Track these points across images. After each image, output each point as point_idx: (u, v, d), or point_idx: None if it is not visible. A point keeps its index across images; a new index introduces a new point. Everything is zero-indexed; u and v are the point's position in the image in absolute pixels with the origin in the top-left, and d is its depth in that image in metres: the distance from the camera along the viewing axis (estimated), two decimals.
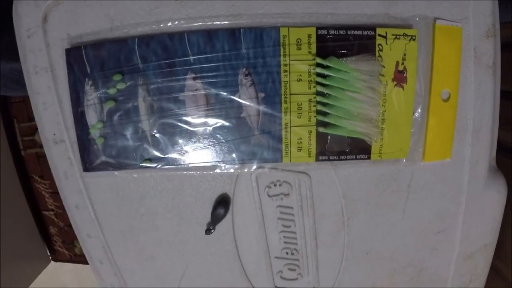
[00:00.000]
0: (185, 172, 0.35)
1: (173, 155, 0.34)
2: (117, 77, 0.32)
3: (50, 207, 1.02)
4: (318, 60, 0.32)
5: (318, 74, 0.32)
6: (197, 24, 0.32)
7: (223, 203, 0.35)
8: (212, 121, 0.33)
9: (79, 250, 1.06)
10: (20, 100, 0.93)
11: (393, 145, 0.34)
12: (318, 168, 0.35)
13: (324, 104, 0.33)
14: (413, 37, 0.33)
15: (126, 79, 0.32)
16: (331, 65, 0.32)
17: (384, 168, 0.36)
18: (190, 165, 0.34)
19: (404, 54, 0.33)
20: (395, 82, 0.33)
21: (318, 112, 0.33)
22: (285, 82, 0.32)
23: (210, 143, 0.33)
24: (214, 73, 0.32)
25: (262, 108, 0.33)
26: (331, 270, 0.39)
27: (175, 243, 0.38)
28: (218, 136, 0.33)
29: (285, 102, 0.33)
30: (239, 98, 0.32)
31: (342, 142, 0.34)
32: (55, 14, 0.33)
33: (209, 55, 0.32)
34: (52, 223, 1.04)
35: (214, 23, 0.32)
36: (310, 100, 0.33)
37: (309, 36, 0.32)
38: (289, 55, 0.32)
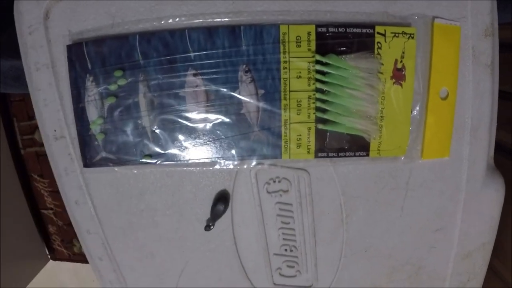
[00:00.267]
0: (184, 168, 0.35)
1: (173, 151, 0.34)
2: (118, 73, 0.33)
3: (49, 206, 1.02)
4: (318, 57, 0.32)
5: (318, 71, 0.32)
6: (197, 21, 0.32)
7: (222, 199, 0.36)
8: (212, 117, 0.33)
9: (78, 249, 1.06)
10: (20, 99, 0.93)
11: (391, 142, 0.35)
12: (317, 164, 0.35)
13: (323, 101, 0.33)
14: (412, 36, 0.33)
15: (127, 75, 0.33)
16: (330, 63, 0.32)
17: (383, 166, 0.36)
18: (190, 161, 0.34)
19: (403, 52, 0.33)
20: (393, 80, 0.33)
21: (317, 109, 0.33)
22: (285, 79, 0.32)
23: (210, 139, 0.34)
24: (214, 70, 0.32)
25: (261, 104, 0.33)
26: (330, 267, 0.39)
27: (175, 239, 0.38)
28: (218, 132, 0.33)
29: (285, 99, 0.33)
30: (239, 94, 0.33)
31: (341, 139, 0.34)
32: (57, 11, 0.33)
33: (210, 52, 0.32)
34: (51, 222, 1.04)
35: (215, 20, 0.32)
36: (309, 97, 0.33)
37: (309, 33, 0.32)
38: (288, 52, 0.32)
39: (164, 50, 0.32)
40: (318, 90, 0.33)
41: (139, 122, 0.33)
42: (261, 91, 0.33)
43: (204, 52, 0.32)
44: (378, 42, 0.32)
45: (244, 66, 0.32)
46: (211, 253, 0.38)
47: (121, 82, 0.33)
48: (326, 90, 0.33)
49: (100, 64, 0.33)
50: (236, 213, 0.37)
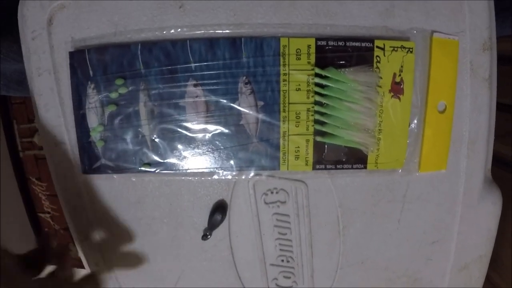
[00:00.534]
0: (183, 178, 0.35)
1: (172, 160, 0.34)
2: (119, 82, 0.33)
3: (47, 209, 1.02)
4: (317, 70, 0.32)
5: (317, 84, 0.33)
6: (199, 32, 0.33)
7: (220, 209, 0.36)
8: (211, 127, 0.33)
9: (74, 254, 1.06)
10: (20, 102, 0.93)
11: (389, 155, 0.35)
12: (315, 176, 0.35)
13: (322, 114, 0.33)
14: (411, 50, 0.33)
15: (128, 84, 0.33)
16: (329, 76, 0.32)
17: (380, 178, 0.36)
18: (188, 171, 0.34)
19: (402, 66, 0.33)
20: (392, 93, 0.33)
21: (316, 122, 0.33)
22: (284, 91, 0.33)
23: (209, 149, 0.34)
24: (215, 81, 0.32)
25: (261, 116, 0.33)
26: (326, 279, 0.39)
27: (172, 248, 0.38)
28: (217, 142, 0.34)
29: (284, 111, 0.33)
30: (239, 105, 0.33)
31: (339, 152, 0.34)
32: (60, 17, 0.33)
33: (210, 63, 0.32)
34: (48, 225, 1.04)
35: (216, 31, 0.33)
36: (308, 110, 0.33)
37: (309, 46, 0.32)
38: (288, 64, 0.32)
39: (166, 60, 0.32)
40: (317, 103, 0.33)
41: (139, 130, 0.33)
42: (261, 103, 0.33)
43: (205, 63, 0.32)
44: (377, 56, 0.33)
45: (244, 77, 0.32)
46: (208, 263, 0.38)
47: (122, 90, 0.33)
48: (324, 103, 0.33)
49: (102, 71, 0.33)
50: (233, 223, 0.37)
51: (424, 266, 0.40)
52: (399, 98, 0.34)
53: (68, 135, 0.35)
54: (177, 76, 0.33)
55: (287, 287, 0.39)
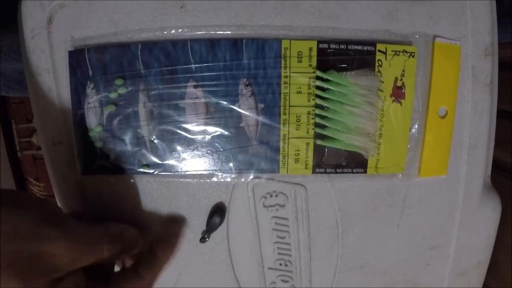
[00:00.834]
0: (182, 180, 0.35)
1: (171, 162, 0.34)
2: (118, 82, 0.33)
3: None
4: (318, 73, 0.32)
5: (318, 87, 0.33)
6: (200, 32, 0.33)
7: (219, 212, 0.35)
8: (211, 129, 0.33)
9: None
10: (19, 101, 0.93)
11: (389, 160, 0.35)
12: (315, 180, 0.35)
13: (322, 117, 0.33)
14: (413, 54, 0.33)
15: (127, 84, 0.33)
16: (330, 79, 0.32)
17: (380, 183, 0.36)
18: (187, 173, 0.34)
19: (403, 70, 0.33)
20: (393, 98, 0.33)
21: (316, 125, 0.33)
22: (285, 94, 0.33)
23: (208, 151, 0.34)
24: (215, 82, 0.32)
25: (261, 118, 0.33)
26: (325, 283, 0.39)
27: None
28: (217, 144, 0.33)
29: (284, 113, 0.33)
30: (239, 108, 0.33)
31: (339, 155, 0.34)
32: (60, 16, 0.33)
33: (211, 64, 0.32)
34: None
35: (217, 32, 0.33)
36: (308, 113, 0.33)
37: (310, 49, 0.32)
38: (289, 67, 0.32)
39: (166, 60, 0.32)
40: (317, 106, 0.33)
41: (138, 131, 0.33)
42: (261, 105, 0.33)
43: (206, 64, 0.32)
44: (379, 60, 0.33)
45: (245, 79, 0.32)
46: (206, 265, 0.38)
47: (122, 90, 0.33)
48: (325, 106, 0.33)
49: (101, 71, 0.33)
50: (232, 226, 0.37)
51: (423, 271, 0.40)
52: (400, 103, 0.34)
53: (66, 135, 0.35)
54: (177, 77, 0.32)
55: None
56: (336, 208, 0.36)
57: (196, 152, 0.34)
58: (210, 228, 0.36)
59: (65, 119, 0.35)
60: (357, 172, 0.35)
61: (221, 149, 0.33)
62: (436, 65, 0.34)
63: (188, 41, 0.32)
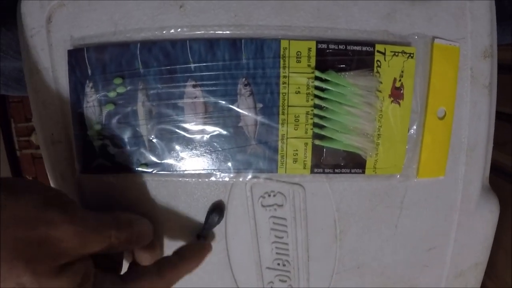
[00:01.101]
0: (180, 179, 0.35)
1: (169, 161, 0.34)
2: (117, 81, 0.33)
3: None
4: (317, 73, 0.32)
5: (316, 87, 0.33)
6: (199, 32, 0.33)
7: (217, 210, 0.35)
8: (209, 129, 0.33)
9: None
10: (18, 100, 0.93)
11: (387, 160, 0.35)
12: (313, 180, 0.35)
13: (321, 117, 0.33)
14: (412, 55, 0.33)
15: (126, 83, 0.33)
16: (329, 79, 0.32)
17: (378, 183, 0.36)
18: (185, 172, 0.34)
19: (402, 71, 0.33)
20: (392, 99, 0.33)
21: (315, 125, 0.33)
22: (284, 94, 0.33)
23: (207, 150, 0.34)
24: (214, 82, 0.32)
25: (259, 118, 0.33)
26: (322, 283, 0.39)
27: (168, 249, 0.38)
28: (215, 144, 0.33)
29: (283, 113, 0.33)
30: (238, 107, 0.33)
31: (337, 156, 0.34)
32: (59, 15, 0.33)
33: (210, 64, 0.32)
34: None
35: (216, 32, 0.33)
36: (307, 113, 0.33)
37: (309, 49, 0.32)
38: (288, 67, 0.32)
39: (165, 60, 0.32)
40: (316, 106, 0.33)
41: (137, 130, 0.33)
42: (260, 105, 0.33)
43: (204, 64, 0.32)
44: (377, 61, 0.33)
45: (244, 79, 0.32)
46: (203, 265, 0.38)
47: (120, 89, 0.33)
48: (324, 107, 0.33)
49: (100, 70, 0.33)
50: (230, 225, 0.37)
51: (420, 273, 0.40)
52: (399, 104, 0.34)
53: (65, 134, 0.35)
54: (176, 76, 0.32)
55: None
56: (334, 208, 0.36)
57: (194, 151, 0.34)
58: (209, 226, 0.36)
59: (64, 118, 0.35)
60: (355, 173, 0.35)
61: (220, 149, 0.33)
62: (435, 66, 0.34)
63: (187, 41, 0.32)
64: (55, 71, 0.34)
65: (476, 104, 0.36)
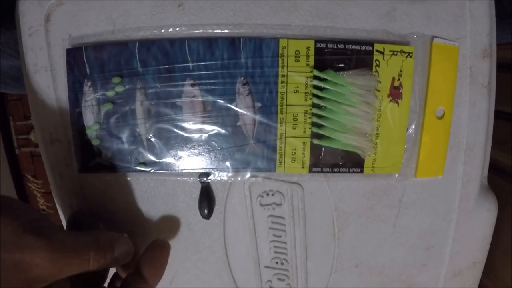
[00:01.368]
0: (178, 178, 0.35)
1: (168, 160, 0.34)
2: (116, 80, 0.32)
3: (41, 207, 1.02)
4: (316, 72, 0.32)
5: (315, 87, 0.33)
6: (198, 31, 0.33)
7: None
8: (208, 128, 0.33)
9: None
10: (16, 98, 0.93)
11: (386, 160, 0.35)
12: (311, 179, 0.35)
13: (319, 117, 0.33)
14: (410, 54, 0.33)
15: (125, 82, 0.33)
16: (328, 78, 0.32)
17: (377, 183, 0.36)
18: (184, 171, 0.34)
19: (401, 71, 0.33)
20: (390, 98, 0.33)
21: (313, 124, 0.33)
22: (282, 93, 0.33)
23: (205, 150, 0.34)
24: (213, 81, 0.32)
25: (258, 117, 0.33)
26: (320, 282, 0.39)
27: None
28: (213, 143, 0.33)
29: (281, 112, 0.33)
30: (236, 106, 0.33)
31: (336, 155, 0.34)
32: (58, 14, 0.33)
33: (208, 63, 0.32)
34: None
35: (215, 31, 0.32)
36: (306, 112, 0.33)
37: (308, 48, 0.32)
38: (287, 66, 0.32)
39: (163, 58, 0.32)
40: (314, 105, 0.33)
41: (135, 129, 0.33)
42: (258, 104, 0.33)
43: (203, 63, 0.32)
44: (376, 60, 0.33)
45: (242, 78, 0.32)
46: (202, 264, 0.38)
47: (119, 88, 0.33)
48: (322, 106, 0.33)
49: (99, 69, 0.33)
50: (228, 224, 0.37)
51: (418, 271, 0.40)
52: (398, 103, 0.34)
53: (63, 133, 0.35)
54: (174, 75, 0.32)
55: None
56: (333, 207, 0.36)
57: (193, 150, 0.34)
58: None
59: (63, 117, 0.35)
60: (353, 172, 0.35)
61: (218, 148, 0.33)
62: (434, 65, 0.34)
63: (186, 40, 0.32)
64: (54, 70, 0.34)
65: (475, 103, 0.36)
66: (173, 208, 0.36)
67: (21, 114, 0.94)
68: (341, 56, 0.32)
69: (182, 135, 0.33)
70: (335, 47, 0.32)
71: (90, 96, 0.33)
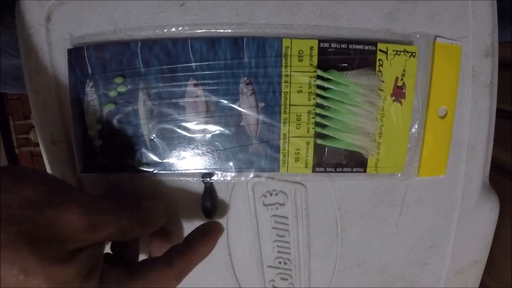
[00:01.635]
0: (181, 178, 0.35)
1: (171, 161, 0.34)
2: (118, 80, 0.32)
3: None
4: (319, 72, 0.32)
5: (318, 86, 0.33)
6: (200, 31, 0.32)
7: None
8: (211, 128, 0.33)
9: None
10: (16, 98, 0.93)
11: (389, 159, 0.35)
12: (315, 179, 0.35)
13: (323, 116, 0.33)
14: (413, 54, 0.33)
15: (127, 82, 0.32)
16: (331, 78, 0.32)
17: (379, 182, 0.36)
18: (187, 171, 0.34)
19: (404, 70, 0.33)
20: (393, 98, 0.33)
21: (317, 124, 0.33)
22: (286, 93, 0.33)
23: (208, 150, 0.33)
24: (216, 81, 0.32)
25: (261, 117, 0.33)
26: (323, 281, 0.39)
27: None
28: (217, 143, 0.33)
29: (285, 112, 0.33)
30: (239, 106, 0.33)
31: (339, 155, 0.34)
32: (59, 14, 0.33)
33: (211, 63, 0.32)
34: None
35: (218, 30, 0.32)
36: (309, 112, 0.33)
37: (311, 48, 0.32)
38: (290, 66, 0.32)
39: (166, 58, 0.32)
40: (318, 105, 0.33)
41: (138, 130, 0.33)
42: (261, 104, 0.33)
43: (206, 63, 0.32)
44: (379, 60, 0.33)
45: (246, 78, 0.32)
46: (205, 263, 0.38)
47: (121, 89, 0.33)
48: (326, 106, 0.33)
49: (101, 69, 0.33)
50: (231, 224, 0.37)
51: (420, 270, 0.40)
52: (401, 103, 0.34)
53: (65, 134, 0.35)
54: (177, 75, 0.32)
55: None
56: (336, 207, 0.36)
57: (196, 150, 0.33)
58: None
59: (64, 117, 0.34)
60: (357, 171, 0.35)
61: (221, 148, 0.33)
62: (436, 65, 0.34)
63: (189, 40, 0.32)
64: (55, 71, 0.34)
65: (477, 103, 0.36)
66: (176, 208, 0.36)
67: (20, 113, 0.94)
68: (344, 56, 0.32)
69: (185, 135, 0.33)
70: (339, 46, 0.32)
71: (92, 97, 0.33)
